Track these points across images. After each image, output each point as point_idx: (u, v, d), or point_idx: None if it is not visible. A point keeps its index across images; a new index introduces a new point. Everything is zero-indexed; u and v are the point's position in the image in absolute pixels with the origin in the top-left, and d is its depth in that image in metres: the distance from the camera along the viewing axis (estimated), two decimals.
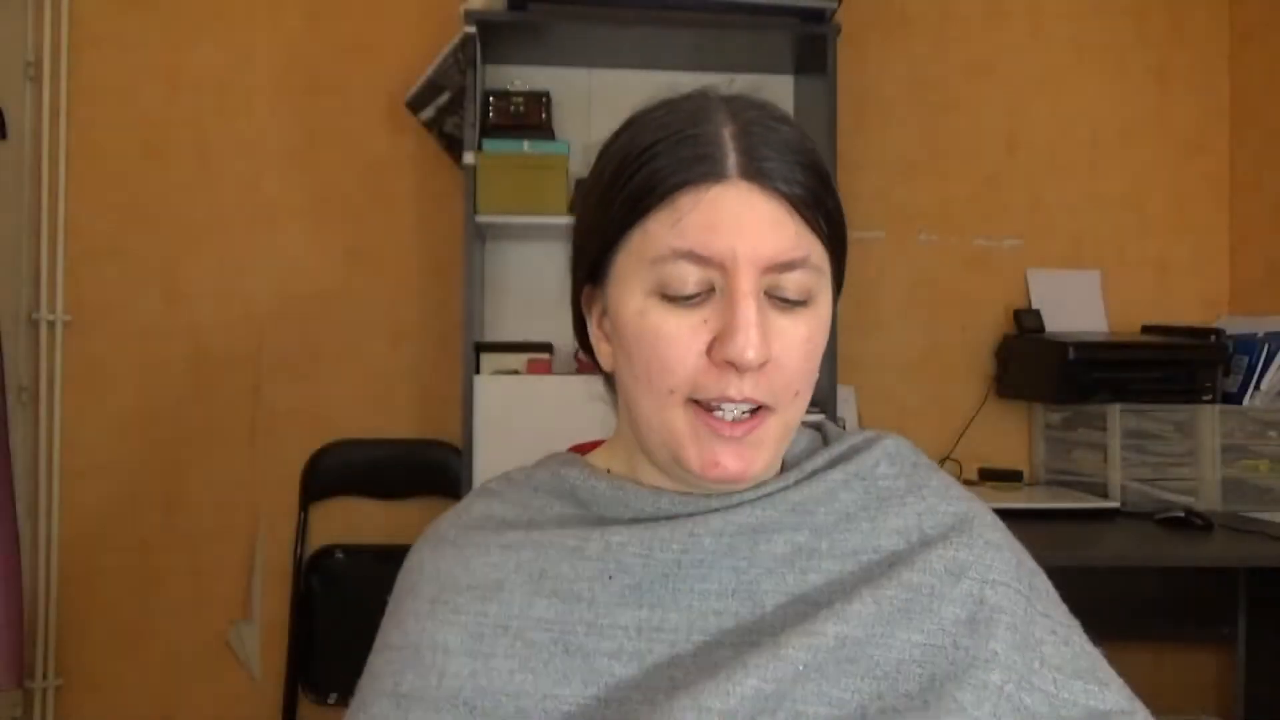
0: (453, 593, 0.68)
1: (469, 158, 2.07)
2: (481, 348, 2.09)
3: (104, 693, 2.26)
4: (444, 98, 2.30)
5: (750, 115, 0.66)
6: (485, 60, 2.24)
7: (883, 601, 0.65)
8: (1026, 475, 2.46)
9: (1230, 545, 1.87)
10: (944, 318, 2.51)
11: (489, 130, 2.15)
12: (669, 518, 0.69)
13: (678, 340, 0.63)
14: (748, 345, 0.61)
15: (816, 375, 0.69)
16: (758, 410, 0.65)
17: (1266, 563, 2.08)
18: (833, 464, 0.73)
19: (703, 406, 0.64)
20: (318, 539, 2.30)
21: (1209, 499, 2.14)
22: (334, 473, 2.31)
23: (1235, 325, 2.38)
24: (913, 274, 2.51)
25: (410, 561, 0.73)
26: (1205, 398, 2.21)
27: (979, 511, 0.74)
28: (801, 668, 0.61)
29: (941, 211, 2.52)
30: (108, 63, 2.30)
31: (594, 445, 0.81)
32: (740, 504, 0.69)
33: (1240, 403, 2.25)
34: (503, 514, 0.73)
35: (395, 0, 2.38)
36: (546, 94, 2.20)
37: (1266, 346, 2.25)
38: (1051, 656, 0.68)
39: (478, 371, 2.07)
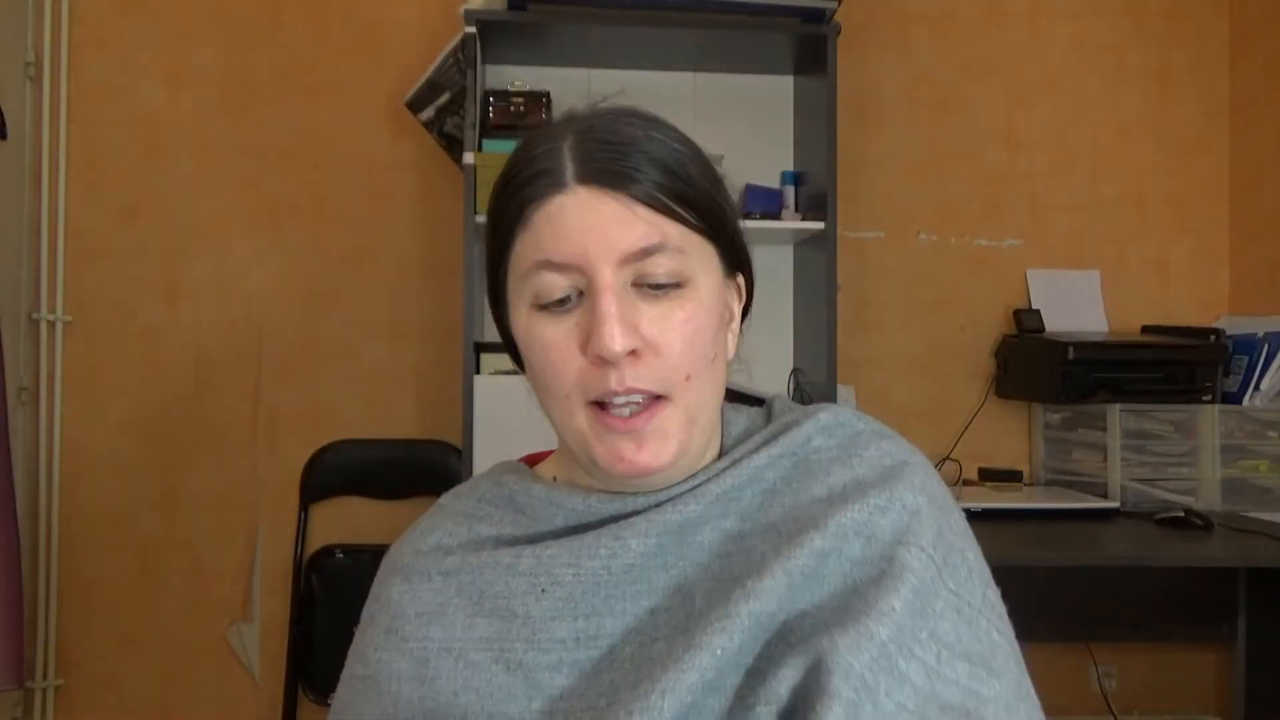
0: (401, 621, 0.70)
1: (469, 158, 2.07)
2: (481, 348, 2.09)
3: (104, 693, 2.26)
4: (444, 98, 2.30)
5: (592, 123, 0.69)
6: (485, 60, 2.25)
7: (793, 572, 0.65)
8: (1026, 475, 2.46)
9: (1230, 545, 1.87)
10: (944, 318, 2.51)
11: (489, 130, 2.15)
12: (597, 522, 0.71)
13: (557, 345, 0.67)
14: (611, 338, 0.64)
15: (717, 357, 0.70)
16: (654, 401, 0.67)
17: (1266, 563, 2.08)
18: (763, 444, 0.74)
19: (600, 406, 0.67)
20: (318, 539, 2.30)
21: (1209, 499, 2.14)
22: (334, 473, 2.30)
23: (1235, 325, 2.38)
24: (913, 274, 2.51)
25: (371, 591, 0.76)
26: (1205, 398, 2.21)
27: (908, 474, 0.71)
28: (720, 652, 0.61)
29: (941, 211, 2.52)
30: (108, 63, 2.30)
31: (548, 454, 0.83)
32: (665, 501, 0.70)
33: (1240, 403, 2.25)
34: (448, 534, 0.75)
35: (395, 0, 2.38)
36: (546, 94, 2.20)
37: (1266, 346, 2.25)
38: (946, 633, 0.66)
39: (478, 371, 2.07)
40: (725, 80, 2.42)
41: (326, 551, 2.29)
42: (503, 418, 2.01)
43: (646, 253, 0.66)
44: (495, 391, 2.03)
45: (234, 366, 2.32)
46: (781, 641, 0.64)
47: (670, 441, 0.67)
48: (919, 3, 2.52)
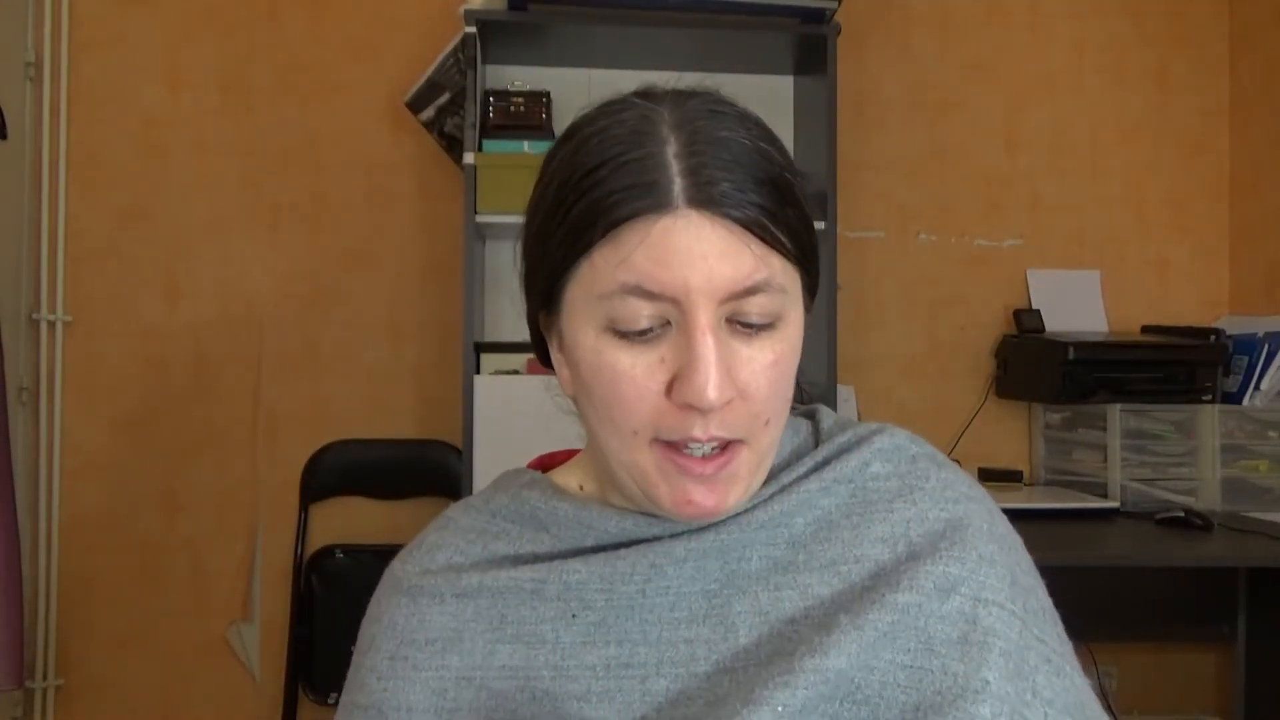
0: (411, 648, 0.66)
1: (469, 158, 2.07)
2: (481, 348, 2.09)
3: (104, 693, 2.26)
4: (444, 98, 2.30)
5: (697, 127, 0.61)
6: (485, 60, 2.24)
7: (865, 626, 0.60)
8: (1026, 475, 2.46)
9: (1230, 545, 1.87)
10: (944, 318, 2.51)
11: (489, 130, 2.15)
12: (631, 544, 0.66)
13: (635, 380, 0.60)
14: (707, 385, 0.58)
15: (790, 396, 0.65)
16: (728, 445, 0.62)
17: (1266, 563, 2.08)
18: (814, 470, 0.69)
19: (670, 445, 0.61)
20: (318, 539, 2.30)
21: (1209, 499, 2.14)
22: (334, 473, 2.30)
23: (1235, 325, 2.38)
24: (913, 274, 2.51)
25: (371, 610, 0.71)
26: (1205, 398, 2.21)
27: (975, 517, 0.68)
28: (781, 709, 0.58)
29: (941, 211, 2.52)
30: (108, 63, 2.30)
31: (564, 455, 0.78)
32: (708, 526, 0.65)
33: (1240, 403, 2.24)
34: (459, 551, 0.69)
35: (395, 0, 2.38)
36: (546, 94, 2.20)
37: (1266, 346, 2.25)
38: (1044, 688, 0.63)
39: (478, 371, 2.06)
40: (725, 80, 2.35)
41: (326, 551, 2.29)
42: (503, 418, 2.01)
43: (750, 291, 0.59)
44: (495, 391, 2.03)
45: (234, 366, 2.32)
46: (850, 701, 0.59)
47: (739, 485, 0.63)
48: (919, 3, 2.52)
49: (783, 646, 0.61)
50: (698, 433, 0.60)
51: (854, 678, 0.60)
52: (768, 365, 0.61)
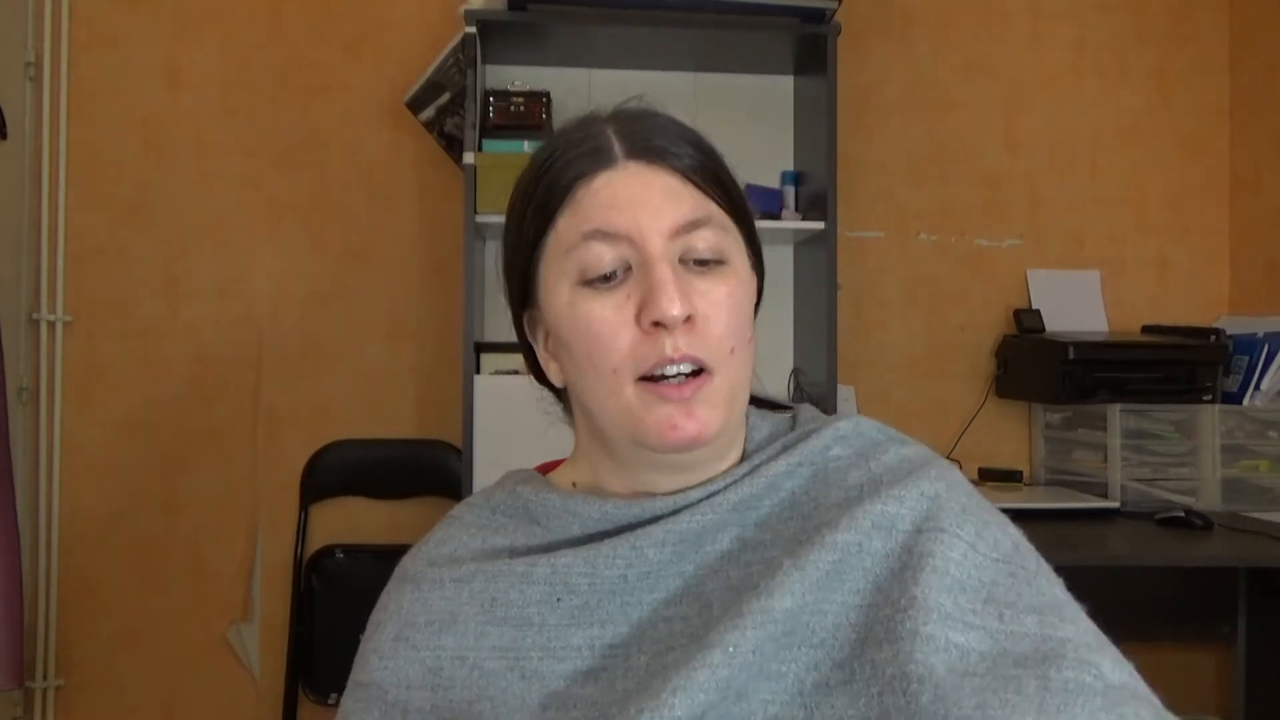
0: (411, 630, 0.70)
1: (469, 158, 2.07)
2: (481, 348, 2.09)
3: (104, 693, 2.26)
4: (444, 98, 2.30)
5: (631, 113, 0.73)
6: (485, 60, 2.25)
7: (806, 566, 0.64)
8: (1026, 475, 2.46)
9: (1230, 545, 1.87)
10: (944, 318, 2.51)
11: (489, 130, 2.15)
12: (614, 530, 0.70)
13: (608, 320, 0.67)
14: (670, 302, 0.65)
15: (752, 337, 0.72)
16: (699, 372, 0.67)
17: (1266, 563, 2.08)
18: (782, 452, 0.73)
19: (649, 380, 0.67)
20: (318, 539, 2.30)
21: (1209, 499, 2.14)
22: (334, 473, 2.30)
23: (1235, 325, 2.38)
24: (913, 274, 2.51)
25: (380, 601, 0.75)
26: (1205, 398, 2.21)
27: (926, 468, 0.71)
28: (731, 650, 0.61)
29: (941, 211, 2.52)
30: (108, 63, 2.30)
31: (562, 463, 0.82)
32: (683, 508, 0.69)
33: (1240, 403, 2.25)
34: (461, 545, 0.74)
35: (395, 0, 2.38)
36: (546, 94, 2.20)
37: (1266, 346, 2.25)
38: (1004, 594, 0.64)
39: (478, 371, 2.07)
40: (725, 80, 2.42)
41: (326, 551, 2.29)
42: (503, 418, 2.01)
43: (695, 225, 0.68)
44: (495, 391, 2.03)
45: (234, 366, 2.32)
46: (806, 645, 0.63)
47: (716, 412, 0.67)
48: (919, 3, 2.52)
49: (741, 601, 0.65)
50: (669, 351, 0.66)
51: (807, 621, 0.63)
52: (725, 295, 0.68)
